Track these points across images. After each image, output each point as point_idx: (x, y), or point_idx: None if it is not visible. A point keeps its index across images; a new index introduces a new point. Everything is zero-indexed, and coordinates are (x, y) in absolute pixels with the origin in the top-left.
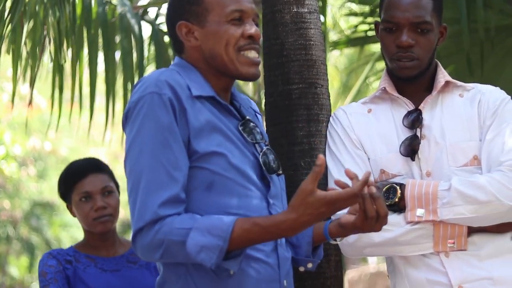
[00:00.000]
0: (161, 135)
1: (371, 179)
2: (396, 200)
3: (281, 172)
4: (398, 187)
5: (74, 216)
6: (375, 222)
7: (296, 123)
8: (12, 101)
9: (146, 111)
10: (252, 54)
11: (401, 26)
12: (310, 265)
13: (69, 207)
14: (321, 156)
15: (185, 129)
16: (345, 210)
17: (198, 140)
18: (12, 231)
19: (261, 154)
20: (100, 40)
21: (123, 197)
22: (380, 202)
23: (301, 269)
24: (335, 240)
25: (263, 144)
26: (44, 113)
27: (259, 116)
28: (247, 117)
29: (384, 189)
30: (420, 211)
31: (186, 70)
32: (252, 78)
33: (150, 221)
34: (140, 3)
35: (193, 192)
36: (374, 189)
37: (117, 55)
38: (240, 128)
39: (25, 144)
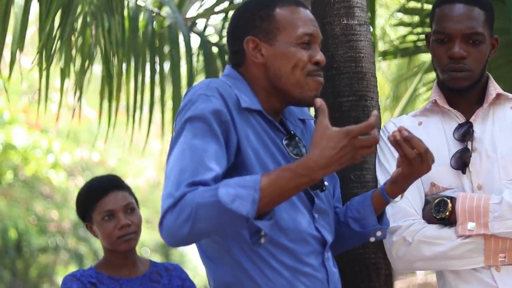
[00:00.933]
0: (204, 132)
1: (422, 191)
2: (447, 213)
3: (325, 188)
4: (449, 201)
5: (95, 235)
6: (420, 163)
7: None
8: (58, 112)
9: (192, 109)
10: (318, 79)
11: (453, 38)
12: (379, 233)
13: (88, 226)
14: (317, 99)
15: (234, 136)
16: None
17: (245, 150)
18: (60, 241)
19: None
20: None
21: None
22: (415, 141)
23: (372, 239)
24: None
25: None
26: (92, 124)
27: (308, 121)
28: (292, 132)
29: (434, 203)
30: (471, 225)
31: (236, 81)
32: (312, 102)
33: (178, 197)
34: (188, 15)
35: None
36: (406, 132)
37: (166, 66)
38: (285, 143)
39: (73, 154)
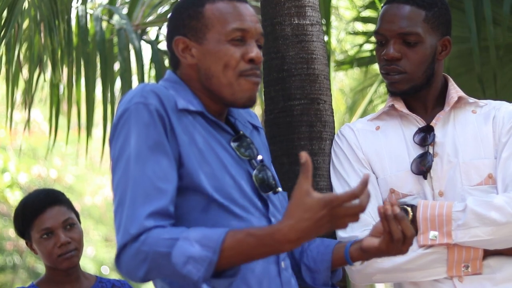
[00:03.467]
0: (148, 146)
1: (380, 199)
2: None
3: (279, 189)
4: (409, 209)
5: (35, 253)
6: (401, 245)
7: (298, 141)
8: (10, 127)
9: (131, 123)
10: (254, 78)
11: (388, 38)
12: None
13: (28, 244)
14: (303, 153)
15: (174, 142)
16: (367, 233)
17: (187, 157)
18: (18, 260)
19: (256, 170)
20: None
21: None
22: (405, 222)
23: None
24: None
25: (257, 161)
26: (49, 140)
27: (261, 130)
28: (242, 132)
29: None
30: (433, 234)
31: (174, 84)
32: (248, 103)
33: (135, 234)
34: (138, 23)
35: (189, 213)
36: (397, 209)
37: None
38: (233, 144)
39: (30, 171)
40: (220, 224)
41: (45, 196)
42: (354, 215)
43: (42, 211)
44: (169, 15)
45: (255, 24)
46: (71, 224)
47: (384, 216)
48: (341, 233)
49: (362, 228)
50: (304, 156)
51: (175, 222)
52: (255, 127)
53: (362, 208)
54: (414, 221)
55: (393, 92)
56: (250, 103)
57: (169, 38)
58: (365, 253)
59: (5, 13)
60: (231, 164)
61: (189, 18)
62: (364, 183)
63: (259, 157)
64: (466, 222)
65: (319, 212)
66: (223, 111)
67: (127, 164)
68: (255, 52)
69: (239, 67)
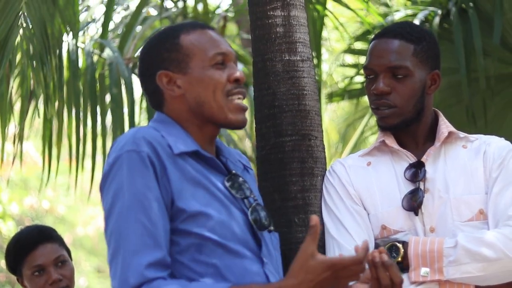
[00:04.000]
0: (141, 195)
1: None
2: (399, 259)
3: (272, 228)
4: (400, 245)
5: None
6: None
7: (290, 177)
8: (1, 158)
9: (124, 171)
10: (240, 99)
11: (377, 73)
12: None
13: (20, 281)
14: (314, 216)
15: (167, 188)
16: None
17: (182, 199)
18: None
19: (250, 210)
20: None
21: None
22: (393, 269)
23: None
24: None
25: (252, 199)
26: (41, 171)
27: (250, 171)
28: (234, 172)
29: (385, 248)
30: (424, 270)
31: (166, 125)
32: (241, 124)
33: (136, 285)
34: (130, 56)
35: (182, 254)
36: (386, 257)
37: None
38: (227, 184)
39: (22, 202)
40: (213, 265)
41: (37, 233)
42: (355, 276)
43: (34, 248)
44: (140, 56)
45: (229, 47)
46: (63, 261)
47: (372, 263)
48: None
49: None
50: (314, 219)
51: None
52: (246, 168)
53: (363, 269)
54: (405, 257)
55: (383, 126)
56: (243, 124)
57: (148, 75)
58: None
59: None
60: (225, 203)
61: (168, 51)
62: (365, 249)
63: (252, 196)
64: (457, 258)
65: (322, 274)
66: (213, 136)
67: (121, 214)
68: (238, 72)
69: (226, 88)
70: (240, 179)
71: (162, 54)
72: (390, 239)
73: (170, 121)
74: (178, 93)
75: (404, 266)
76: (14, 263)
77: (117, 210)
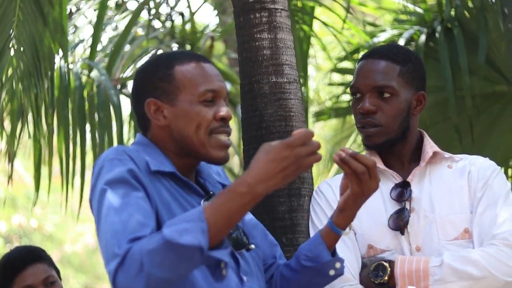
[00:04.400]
0: (126, 190)
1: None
2: (386, 278)
3: (252, 246)
4: (387, 264)
5: None
6: (369, 178)
7: (277, 197)
8: None
9: (105, 174)
10: (224, 137)
11: (363, 92)
12: (338, 265)
13: None
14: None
15: (152, 198)
16: None
17: (159, 217)
18: None
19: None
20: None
21: None
22: (361, 156)
23: (331, 272)
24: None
25: None
26: (29, 189)
27: None
28: (212, 192)
29: (372, 267)
30: None
31: (145, 147)
32: (222, 161)
33: (123, 254)
34: (118, 76)
35: None
36: (350, 150)
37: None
38: (204, 204)
39: (10, 220)
40: (193, 285)
41: (26, 253)
42: (315, 153)
43: (24, 268)
44: (134, 78)
45: (222, 83)
46: (52, 282)
47: (341, 160)
48: None
49: (341, 284)
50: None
51: None
52: (224, 186)
53: (318, 145)
54: (392, 276)
55: (368, 146)
56: (224, 161)
57: (138, 100)
58: (345, 211)
59: None
60: None
61: (160, 80)
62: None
63: None
64: (443, 277)
65: (282, 152)
66: (192, 171)
67: (110, 202)
68: (225, 111)
69: (210, 126)
70: None
71: (154, 83)
72: (377, 258)
73: (151, 144)
74: (163, 123)
75: (390, 285)
76: (4, 283)
77: (106, 203)
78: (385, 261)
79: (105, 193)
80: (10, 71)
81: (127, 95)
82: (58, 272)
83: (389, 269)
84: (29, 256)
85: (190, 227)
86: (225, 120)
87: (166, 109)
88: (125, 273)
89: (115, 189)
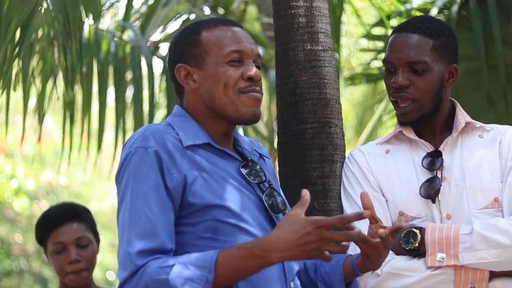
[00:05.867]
0: (146, 188)
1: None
2: (416, 245)
3: (287, 211)
4: (417, 231)
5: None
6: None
7: (310, 163)
8: (23, 135)
9: (132, 167)
10: (253, 95)
11: (396, 67)
12: None
13: (45, 253)
14: (304, 190)
15: (177, 178)
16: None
17: (194, 191)
18: (24, 264)
19: (264, 194)
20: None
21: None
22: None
23: None
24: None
25: (266, 184)
26: (58, 147)
27: (267, 160)
28: (249, 158)
29: (403, 234)
30: (440, 256)
31: (181, 119)
32: (253, 118)
33: (133, 271)
34: (152, 39)
35: (198, 240)
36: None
37: (129, 90)
38: (242, 170)
39: (39, 178)
40: (229, 244)
41: (65, 210)
42: (340, 242)
43: (59, 225)
44: (168, 48)
45: (251, 45)
46: (85, 245)
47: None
48: (352, 253)
49: None
50: (304, 191)
51: (182, 249)
52: (262, 156)
53: (349, 238)
54: (422, 243)
55: (403, 122)
56: (255, 118)
57: (171, 68)
58: (368, 256)
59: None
60: (239, 189)
61: (188, 46)
62: (358, 216)
63: (268, 181)
64: (473, 245)
65: (305, 228)
66: (231, 132)
67: (126, 204)
68: (253, 70)
69: (238, 85)
70: (256, 165)
71: (183, 48)
72: (408, 225)
73: (186, 114)
74: (193, 87)
75: (420, 252)
76: (40, 236)
77: (124, 203)
78: (416, 228)
79: (127, 187)
80: (40, 33)
81: (159, 57)
82: (97, 235)
83: (419, 236)
84: (67, 214)
85: (197, 276)
86: (253, 80)
87: (195, 73)
88: None
89: (137, 187)
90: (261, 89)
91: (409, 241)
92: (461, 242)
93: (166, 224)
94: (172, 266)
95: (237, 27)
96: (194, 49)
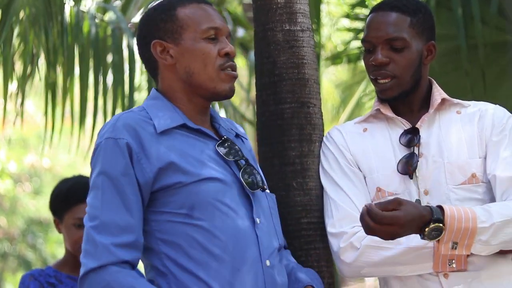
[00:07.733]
0: (116, 180)
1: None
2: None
3: (266, 187)
4: (442, 226)
5: (60, 232)
6: None
7: (288, 143)
8: (4, 118)
9: (102, 158)
10: (230, 71)
11: (375, 45)
12: None
13: (56, 222)
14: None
15: (147, 173)
16: (356, 230)
17: (169, 175)
18: (8, 247)
19: (240, 171)
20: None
21: None
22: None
23: None
24: None
25: (243, 161)
26: (40, 130)
27: (245, 140)
28: (225, 137)
29: (429, 229)
30: (453, 244)
31: (155, 103)
32: (229, 93)
33: (101, 264)
34: (133, 20)
35: (174, 217)
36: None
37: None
38: (218, 149)
39: (22, 161)
40: (204, 227)
41: None
42: None
43: (83, 201)
44: (138, 25)
45: (224, 23)
46: None
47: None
48: (331, 229)
49: (351, 225)
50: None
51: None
52: (240, 136)
53: None
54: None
55: (383, 99)
56: (231, 93)
57: (144, 43)
58: None
59: None
60: (215, 168)
61: (163, 21)
62: None
63: (244, 159)
64: (488, 240)
65: None
66: (205, 116)
67: (96, 196)
68: (229, 46)
69: (217, 62)
70: (232, 143)
71: (158, 24)
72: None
73: (161, 97)
74: (170, 62)
75: None
76: (60, 207)
77: (94, 193)
78: (438, 220)
79: (97, 181)
80: (21, 14)
81: None
82: None
83: (444, 228)
84: None
85: None
86: (229, 55)
87: (171, 49)
88: (88, 285)
89: (105, 182)
90: (236, 65)
91: (438, 235)
92: (478, 234)
93: (140, 218)
94: (132, 281)
95: (209, 5)
96: (170, 25)
